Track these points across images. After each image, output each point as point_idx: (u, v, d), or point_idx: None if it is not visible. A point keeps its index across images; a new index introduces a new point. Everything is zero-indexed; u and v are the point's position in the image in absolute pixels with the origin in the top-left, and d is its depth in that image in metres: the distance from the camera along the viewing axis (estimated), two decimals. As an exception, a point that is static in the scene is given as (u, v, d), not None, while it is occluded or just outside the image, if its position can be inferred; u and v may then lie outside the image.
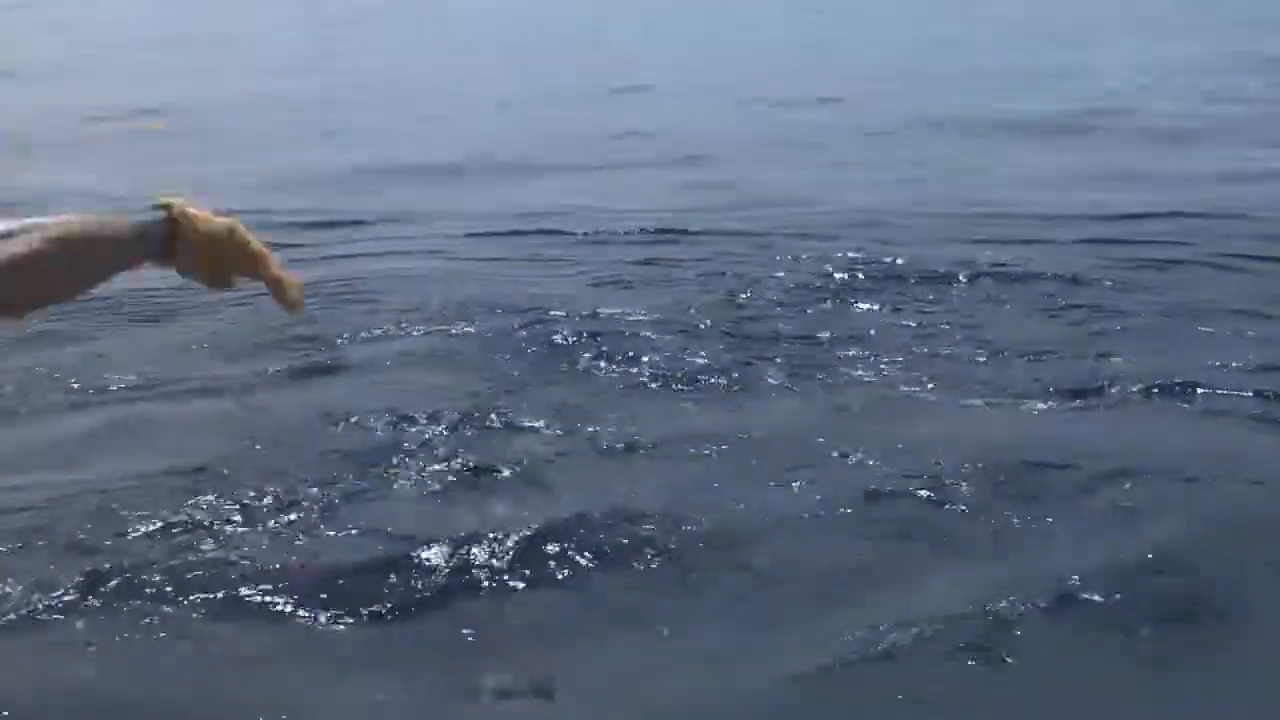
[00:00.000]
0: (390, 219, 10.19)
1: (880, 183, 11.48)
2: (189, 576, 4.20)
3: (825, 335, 6.70)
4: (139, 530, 4.53)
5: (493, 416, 5.54)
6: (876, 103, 16.11)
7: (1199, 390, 5.79)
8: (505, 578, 4.22)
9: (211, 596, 4.09)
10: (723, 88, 18.83)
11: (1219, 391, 5.78)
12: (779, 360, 6.34)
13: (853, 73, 19.07)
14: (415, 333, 6.92)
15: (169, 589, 4.12)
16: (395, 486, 4.90)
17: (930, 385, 5.97)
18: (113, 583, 4.14)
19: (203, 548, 4.41)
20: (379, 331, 6.96)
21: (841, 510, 4.68)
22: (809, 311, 7.23)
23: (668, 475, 5.02)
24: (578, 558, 4.33)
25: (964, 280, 7.78)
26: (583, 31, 23.65)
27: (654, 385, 6.02)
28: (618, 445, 5.29)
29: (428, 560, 4.28)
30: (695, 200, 10.89)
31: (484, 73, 20.89)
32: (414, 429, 5.42)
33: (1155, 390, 5.81)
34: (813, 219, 9.78)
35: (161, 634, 3.91)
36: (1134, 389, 5.83)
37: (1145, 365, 6.17)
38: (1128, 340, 6.65)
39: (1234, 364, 6.13)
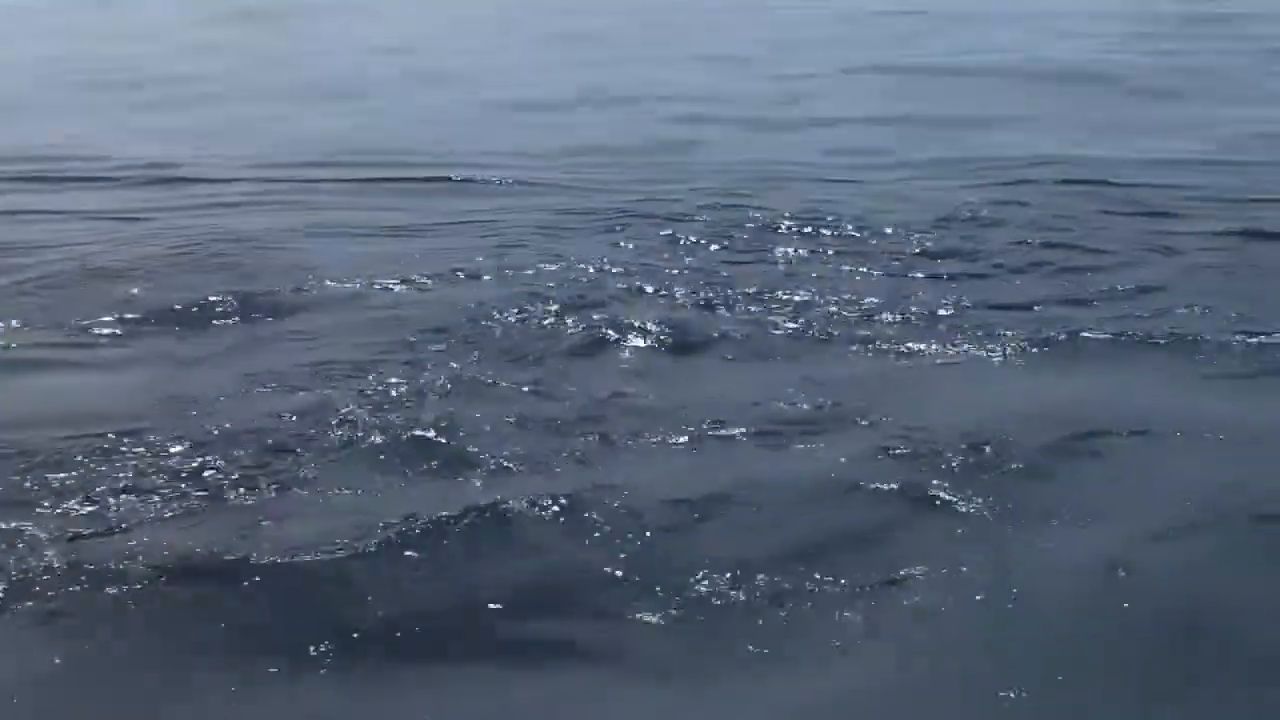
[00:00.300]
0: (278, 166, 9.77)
1: (851, 125, 11.24)
2: (102, 555, 3.96)
3: (796, 293, 6.43)
4: (55, 503, 4.28)
5: (441, 380, 5.28)
6: (848, 47, 15.87)
7: (1188, 342, 5.66)
8: (477, 553, 4.00)
9: (135, 580, 3.86)
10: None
11: (1207, 342, 5.65)
12: (746, 318, 6.10)
13: (830, 17, 18.79)
14: (342, 292, 6.55)
15: (85, 573, 3.88)
16: (337, 457, 4.63)
17: (915, 344, 5.74)
18: (20, 565, 3.92)
19: (123, 524, 4.16)
20: (306, 292, 6.57)
21: (830, 482, 4.45)
22: (774, 266, 6.98)
23: (649, 443, 4.77)
24: (564, 532, 4.12)
25: (944, 229, 7.57)
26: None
27: (621, 347, 5.73)
28: (585, 411, 5.03)
29: (389, 538, 4.04)
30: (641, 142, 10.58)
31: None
32: (356, 394, 5.14)
33: (1147, 344, 5.66)
34: (779, 169, 9.47)
35: (75, 623, 3.69)
36: (1125, 342, 5.68)
37: (1133, 316, 6.02)
38: (1114, 289, 6.47)
39: (1217, 312, 6.01)
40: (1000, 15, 19.18)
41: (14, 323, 6.14)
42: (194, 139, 10.88)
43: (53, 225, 8.05)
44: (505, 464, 4.55)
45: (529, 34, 18.45)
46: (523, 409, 5.01)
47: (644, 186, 8.89)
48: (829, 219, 7.75)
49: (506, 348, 5.71)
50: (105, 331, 6.05)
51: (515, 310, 6.13)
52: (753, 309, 6.21)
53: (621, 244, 7.39)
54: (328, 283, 6.68)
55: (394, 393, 5.13)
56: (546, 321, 6.01)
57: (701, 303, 6.32)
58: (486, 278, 6.70)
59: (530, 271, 6.77)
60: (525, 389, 5.21)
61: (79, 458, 4.57)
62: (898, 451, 4.60)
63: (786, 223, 7.71)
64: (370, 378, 5.28)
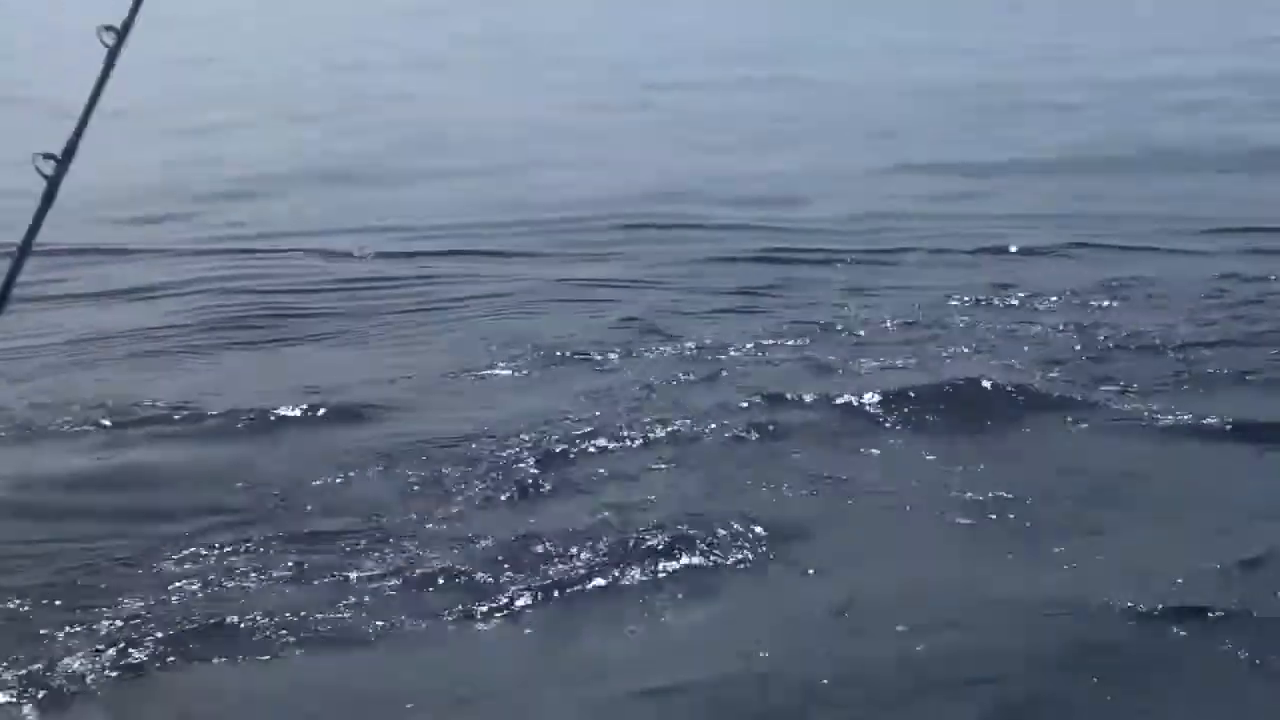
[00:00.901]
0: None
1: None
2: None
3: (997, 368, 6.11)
4: (146, 587, 4.23)
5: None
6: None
7: None
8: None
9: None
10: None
11: None
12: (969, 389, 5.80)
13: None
14: (452, 372, 6.44)
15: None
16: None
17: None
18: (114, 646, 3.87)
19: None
20: (405, 373, 6.47)
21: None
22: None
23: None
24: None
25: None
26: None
27: (781, 433, 5.44)
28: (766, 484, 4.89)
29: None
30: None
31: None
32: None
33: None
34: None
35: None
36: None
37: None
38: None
39: None
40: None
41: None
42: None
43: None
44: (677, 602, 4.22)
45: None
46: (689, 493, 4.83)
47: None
48: (1018, 290, 7.56)
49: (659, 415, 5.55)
50: (199, 410, 5.89)
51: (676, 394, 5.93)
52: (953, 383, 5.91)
53: (775, 316, 7.26)
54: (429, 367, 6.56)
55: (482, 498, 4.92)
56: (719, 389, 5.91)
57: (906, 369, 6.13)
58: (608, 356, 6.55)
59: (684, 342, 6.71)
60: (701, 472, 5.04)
61: (156, 547, 4.53)
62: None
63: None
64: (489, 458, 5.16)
